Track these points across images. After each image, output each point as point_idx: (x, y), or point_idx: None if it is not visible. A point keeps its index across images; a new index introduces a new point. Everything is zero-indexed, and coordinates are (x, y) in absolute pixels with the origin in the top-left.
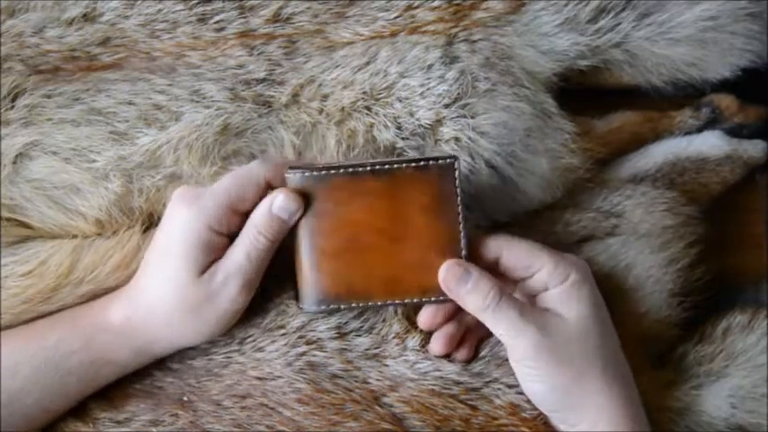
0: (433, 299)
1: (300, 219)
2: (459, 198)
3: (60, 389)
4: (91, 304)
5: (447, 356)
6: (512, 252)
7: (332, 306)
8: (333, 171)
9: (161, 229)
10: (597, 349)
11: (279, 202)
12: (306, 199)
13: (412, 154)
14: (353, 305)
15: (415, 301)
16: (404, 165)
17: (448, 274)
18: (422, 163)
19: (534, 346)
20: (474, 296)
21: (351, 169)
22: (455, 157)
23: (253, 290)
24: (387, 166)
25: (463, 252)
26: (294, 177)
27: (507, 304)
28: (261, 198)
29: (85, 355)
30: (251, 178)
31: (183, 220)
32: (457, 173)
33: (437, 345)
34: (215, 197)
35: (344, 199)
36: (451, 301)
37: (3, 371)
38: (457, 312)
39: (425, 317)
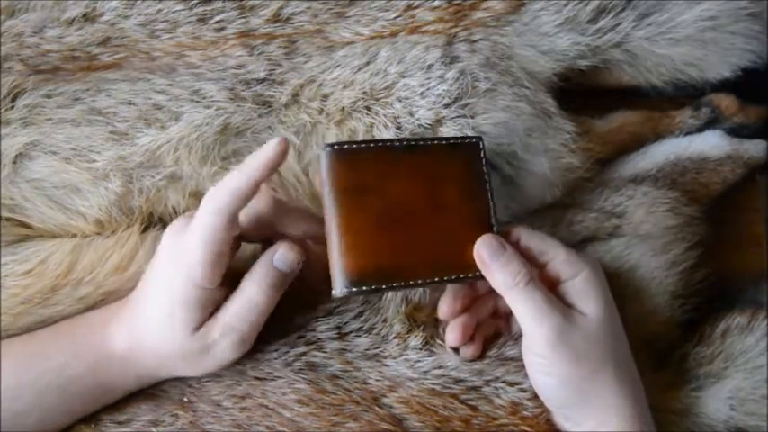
0: (470, 275)
1: (331, 198)
2: (486, 175)
3: (64, 410)
4: (89, 321)
5: (455, 352)
6: (528, 239)
7: (372, 286)
8: (364, 146)
9: (154, 277)
10: (611, 347)
11: (279, 256)
12: (337, 176)
13: None
14: (395, 285)
15: (453, 278)
16: (435, 142)
17: (483, 246)
18: (452, 141)
19: (556, 333)
20: (505, 272)
21: (382, 144)
22: (480, 137)
23: (250, 343)
24: (421, 143)
25: (494, 228)
26: (324, 153)
27: (535, 286)
28: (232, 230)
29: (90, 380)
30: (218, 225)
31: (170, 282)
32: (482, 152)
33: (453, 334)
34: (196, 257)
35: (379, 173)
36: (484, 278)
37: (4, 392)
38: (472, 304)
39: (446, 305)
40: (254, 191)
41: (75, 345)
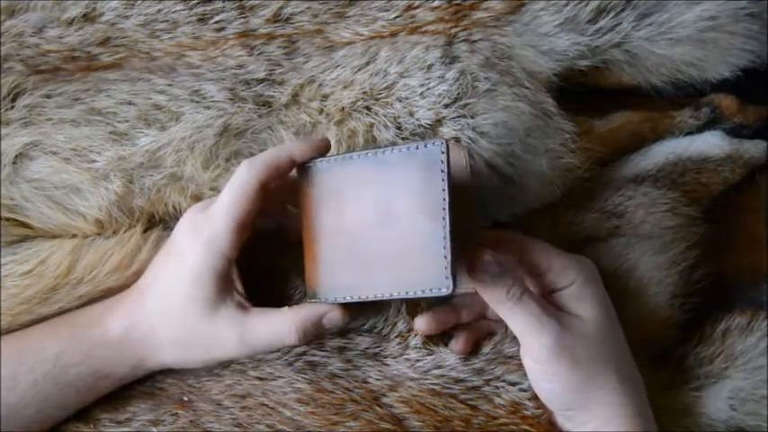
0: (432, 290)
1: (305, 213)
2: (446, 185)
3: (59, 400)
4: (88, 313)
5: (444, 345)
6: (522, 251)
7: (335, 298)
8: (320, 162)
9: (171, 255)
10: (610, 348)
11: (332, 317)
12: (306, 192)
13: None
14: (362, 297)
15: (420, 291)
16: (394, 151)
17: (472, 261)
18: (410, 148)
19: (553, 344)
20: (496, 288)
21: (340, 158)
22: (442, 141)
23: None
24: (379, 152)
25: (446, 243)
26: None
27: (529, 299)
28: (259, 203)
29: (84, 369)
30: (248, 191)
31: (196, 257)
32: (444, 156)
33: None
34: (221, 223)
35: (338, 189)
36: (453, 296)
37: (1, 383)
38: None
39: (423, 323)
40: (288, 167)
41: (72, 334)
